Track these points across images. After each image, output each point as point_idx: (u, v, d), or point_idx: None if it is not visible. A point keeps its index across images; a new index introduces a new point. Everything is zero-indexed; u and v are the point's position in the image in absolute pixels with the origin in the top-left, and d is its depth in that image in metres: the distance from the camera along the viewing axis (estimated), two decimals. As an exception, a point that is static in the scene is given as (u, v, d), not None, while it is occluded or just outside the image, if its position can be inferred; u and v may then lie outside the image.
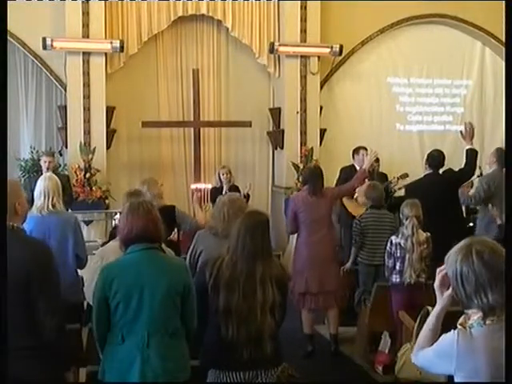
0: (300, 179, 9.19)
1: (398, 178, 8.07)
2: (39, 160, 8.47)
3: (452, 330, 2.43)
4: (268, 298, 3.55)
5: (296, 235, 6.48)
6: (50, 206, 5.16)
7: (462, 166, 7.05)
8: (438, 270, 2.56)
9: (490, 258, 2.34)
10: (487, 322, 2.36)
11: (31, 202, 5.12)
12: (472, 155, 6.98)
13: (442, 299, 2.52)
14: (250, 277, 3.56)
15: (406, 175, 8.12)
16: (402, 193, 7.85)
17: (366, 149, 8.35)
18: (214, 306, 3.58)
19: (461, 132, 7.19)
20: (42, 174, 7.81)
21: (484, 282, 2.33)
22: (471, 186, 7.33)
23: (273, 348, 3.60)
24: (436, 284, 2.54)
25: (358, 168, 8.36)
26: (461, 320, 2.46)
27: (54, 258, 3.24)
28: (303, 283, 6.15)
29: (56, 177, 5.46)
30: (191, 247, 4.89)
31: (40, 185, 5.27)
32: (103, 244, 5.31)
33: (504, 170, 7.10)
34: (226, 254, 3.65)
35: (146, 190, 5.85)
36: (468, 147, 7.03)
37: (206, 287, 3.60)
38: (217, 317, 3.56)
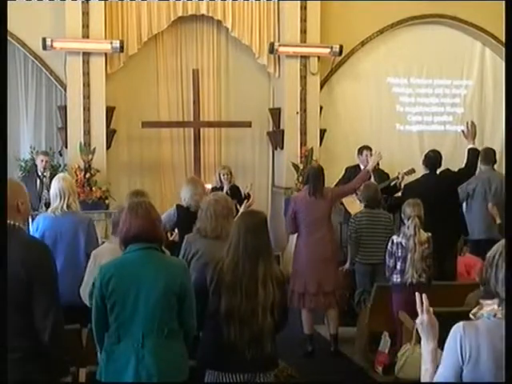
0: (300, 179, 9.22)
1: (403, 174, 7.97)
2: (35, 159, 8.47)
3: (453, 328, 2.39)
4: (269, 297, 3.55)
5: (296, 235, 6.47)
6: (65, 207, 5.16)
7: (463, 165, 7.06)
8: (423, 309, 2.50)
9: None
10: (498, 315, 2.34)
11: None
12: (474, 154, 6.98)
13: (432, 340, 2.47)
14: (252, 277, 3.56)
15: (412, 171, 8.02)
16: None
17: (369, 149, 8.33)
18: (213, 308, 3.57)
19: (462, 131, 7.19)
20: (37, 174, 7.86)
21: None
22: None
23: (272, 349, 3.60)
24: (424, 322, 2.48)
25: (362, 167, 8.37)
26: (474, 310, 2.46)
27: (52, 258, 3.23)
28: (302, 283, 6.16)
29: (70, 177, 5.48)
30: (182, 251, 4.88)
31: (55, 186, 5.25)
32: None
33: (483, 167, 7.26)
34: (226, 255, 3.63)
35: (202, 188, 5.93)
36: (470, 146, 7.02)
37: (205, 290, 3.60)
38: (217, 318, 3.56)
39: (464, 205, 7.59)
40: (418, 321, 2.51)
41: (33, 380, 3.01)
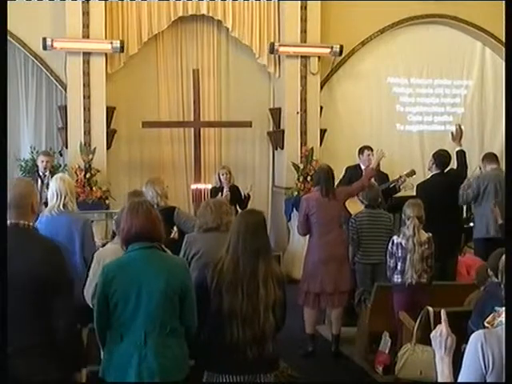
0: (300, 179, 9.22)
1: (405, 177, 8.01)
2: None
3: (472, 337, 2.31)
4: (270, 296, 3.56)
5: (304, 237, 6.46)
6: (61, 206, 5.15)
7: (455, 167, 7.19)
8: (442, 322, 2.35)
9: None
10: None
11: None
12: (461, 156, 7.15)
13: (448, 354, 2.33)
14: (252, 276, 3.56)
15: (413, 172, 8.06)
16: (404, 192, 7.89)
17: (370, 148, 8.35)
18: (214, 308, 3.56)
19: (451, 134, 7.31)
20: (38, 174, 7.84)
21: None
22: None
23: (274, 350, 3.60)
24: (444, 335, 2.32)
25: (362, 167, 8.37)
26: (489, 318, 2.42)
27: (66, 257, 3.27)
28: (318, 284, 6.16)
29: (68, 177, 5.46)
30: (182, 251, 4.89)
31: (52, 186, 5.28)
32: (103, 245, 5.30)
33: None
34: (226, 254, 3.64)
35: (152, 189, 5.88)
36: (458, 149, 7.19)
37: (206, 289, 3.59)
38: (217, 318, 3.55)
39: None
40: (435, 333, 2.36)
41: (49, 377, 3.04)
